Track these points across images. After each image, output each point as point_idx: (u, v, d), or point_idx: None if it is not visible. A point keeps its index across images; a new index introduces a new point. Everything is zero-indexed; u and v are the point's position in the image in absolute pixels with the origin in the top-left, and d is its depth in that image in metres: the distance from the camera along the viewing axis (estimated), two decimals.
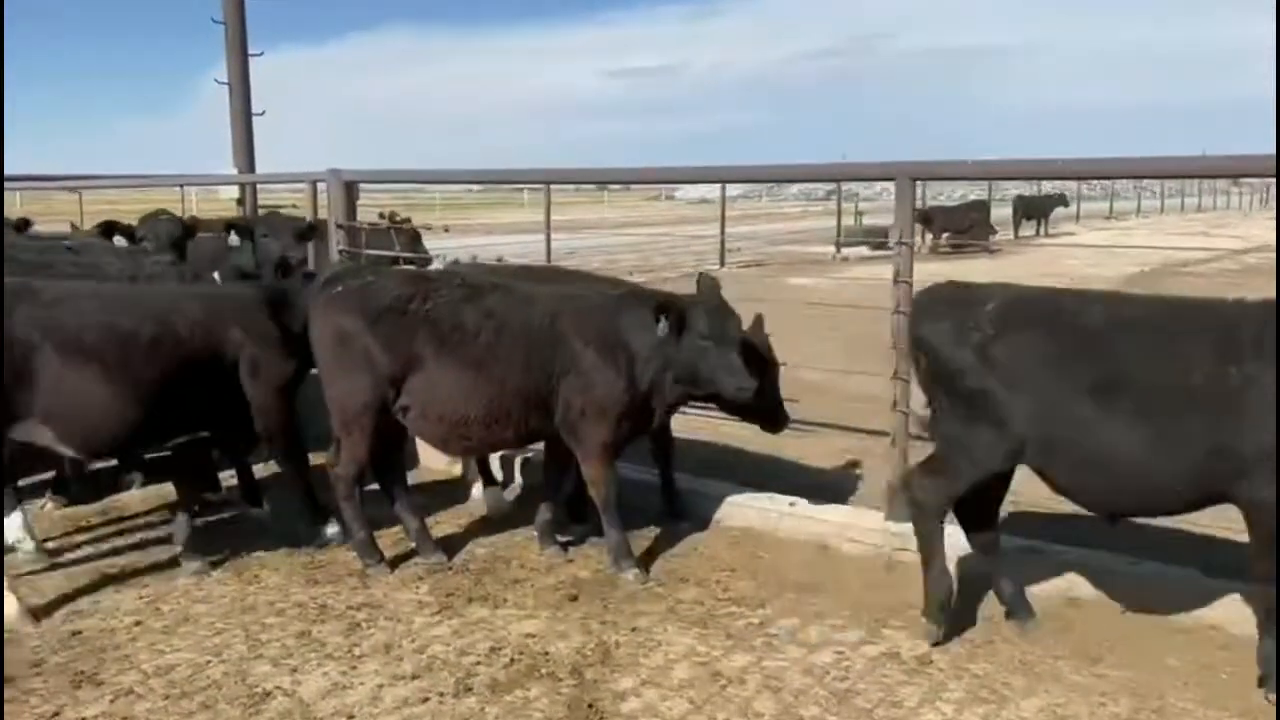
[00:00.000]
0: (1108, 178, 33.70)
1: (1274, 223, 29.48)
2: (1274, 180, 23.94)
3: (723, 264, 21.20)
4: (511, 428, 4.94)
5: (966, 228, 26.55)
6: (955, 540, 4.99)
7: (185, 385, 4.75)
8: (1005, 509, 4.57)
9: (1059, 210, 34.55)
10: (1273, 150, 4.16)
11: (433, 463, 6.58)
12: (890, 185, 5.15)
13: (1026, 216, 32.05)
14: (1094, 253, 23.51)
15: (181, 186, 9.72)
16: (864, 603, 4.63)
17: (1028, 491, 4.56)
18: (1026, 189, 36.54)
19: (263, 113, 14.24)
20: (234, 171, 13.98)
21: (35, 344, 4.48)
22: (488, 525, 5.72)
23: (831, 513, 5.37)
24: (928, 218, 26.88)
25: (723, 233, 21.53)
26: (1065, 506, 4.18)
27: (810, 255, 24.68)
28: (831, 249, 26.91)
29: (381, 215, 10.88)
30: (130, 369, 4.60)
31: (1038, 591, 4.59)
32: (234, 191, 13.62)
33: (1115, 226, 38.56)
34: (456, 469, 6.46)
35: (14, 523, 5.23)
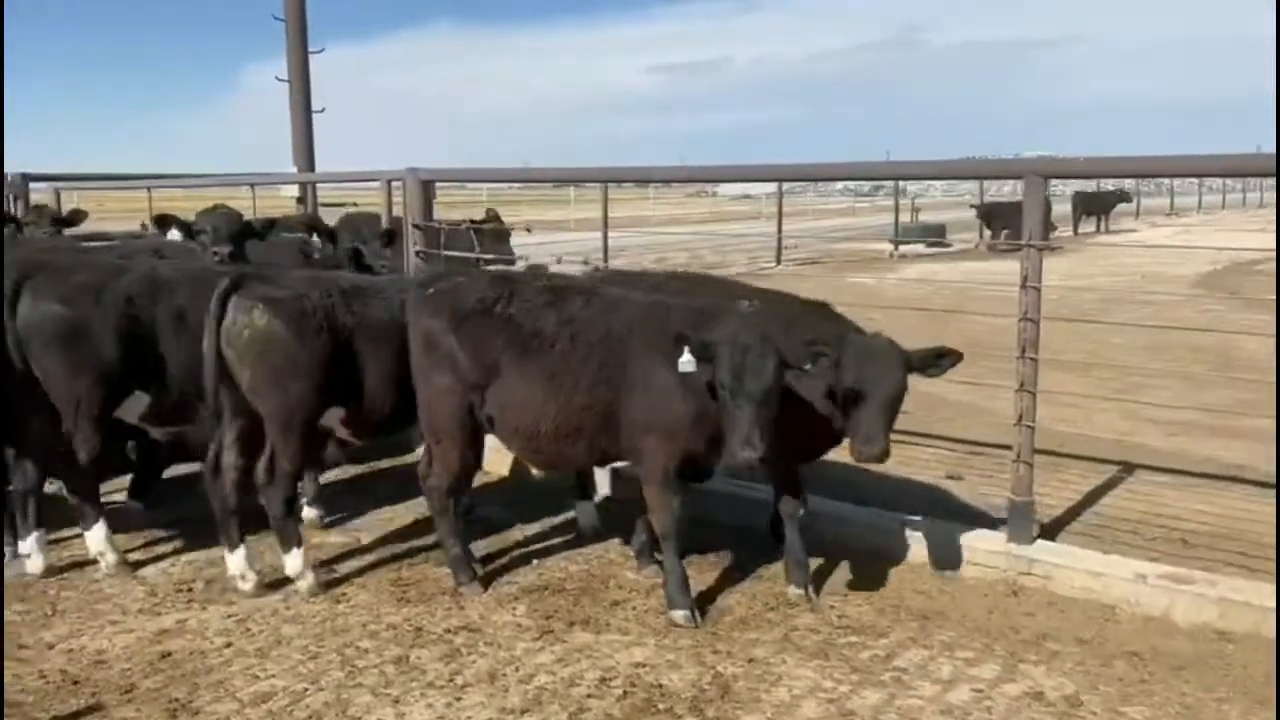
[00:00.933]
0: (1245, 175, 32.64)
1: None
2: None
3: (779, 261, 20.83)
4: (584, 444, 4.61)
5: None
6: (1089, 563, 4.68)
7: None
8: None
9: (1119, 206, 33.68)
10: None
11: (496, 466, 6.39)
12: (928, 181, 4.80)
13: (1087, 213, 31.25)
14: (1158, 250, 22.84)
15: (253, 186, 9.58)
16: (993, 632, 4.32)
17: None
18: (1087, 184, 35.69)
19: (322, 110, 14.16)
20: (293, 169, 13.88)
21: (349, 334, 4.71)
22: (580, 540, 5.47)
23: (948, 532, 5.04)
24: (989, 214, 26.31)
25: (780, 230, 21.15)
26: None
27: (866, 252, 24.18)
28: (885, 246, 26.49)
29: (487, 215, 10.62)
30: (400, 358, 4.81)
31: (1184, 624, 4.25)
32: (294, 190, 13.51)
33: (1177, 223, 37.52)
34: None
35: (96, 535, 5.08)
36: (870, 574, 4.90)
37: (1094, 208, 31.60)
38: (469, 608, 4.64)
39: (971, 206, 27.47)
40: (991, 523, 5.16)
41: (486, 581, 4.89)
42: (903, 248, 24.94)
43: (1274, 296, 3.94)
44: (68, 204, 9.97)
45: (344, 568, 5.12)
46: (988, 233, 26.38)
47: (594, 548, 5.33)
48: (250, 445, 4.75)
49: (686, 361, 4.10)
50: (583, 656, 4.16)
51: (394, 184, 7.34)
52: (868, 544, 5.14)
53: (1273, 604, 4.15)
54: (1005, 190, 40.74)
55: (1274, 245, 23.18)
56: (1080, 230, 30.68)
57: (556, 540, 5.49)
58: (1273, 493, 5.28)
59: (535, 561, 5.18)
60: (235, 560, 4.81)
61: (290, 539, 4.77)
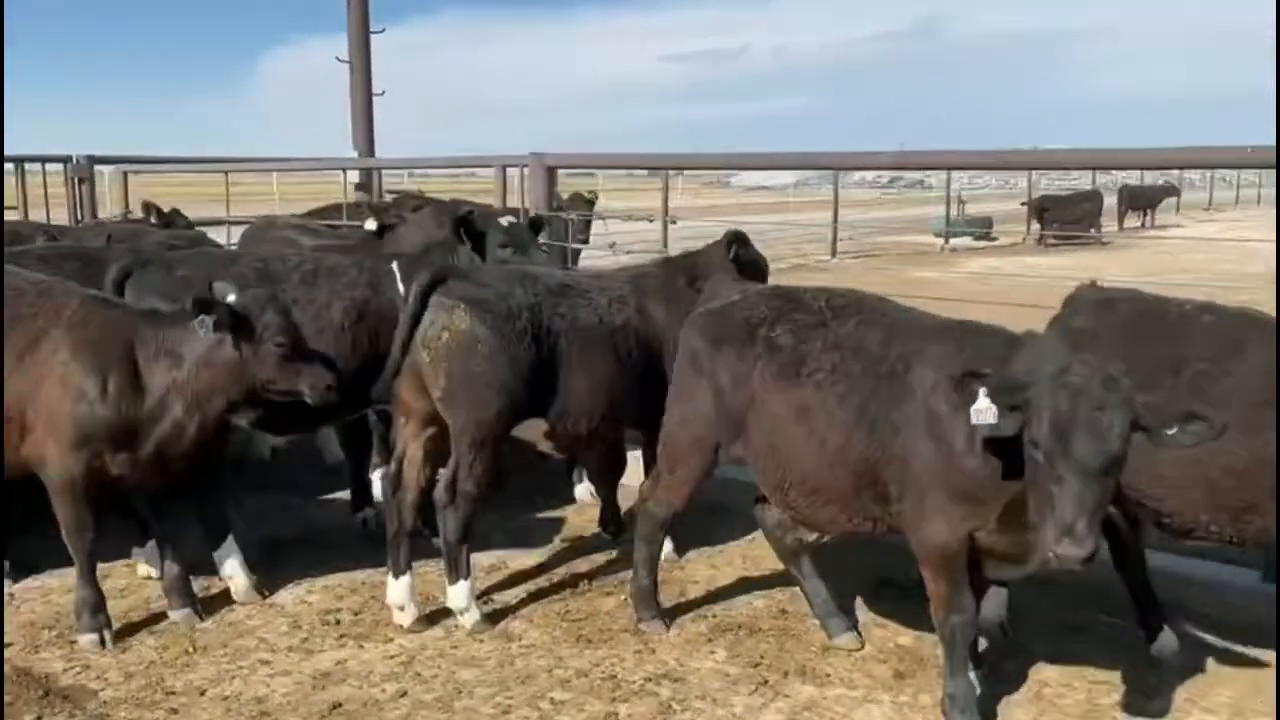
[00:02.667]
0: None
1: None
2: None
3: (834, 254, 20.25)
4: (838, 505, 3.69)
5: (1078, 219, 25.29)
6: None
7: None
8: None
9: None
10: None
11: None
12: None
13: (1133, 207, 30.55)
14: (1214, 246, 22.19)
15: (344, 171, 9.07)
16: None
17: None
18: (1133, 178, 34.91)
19: (383, 93, 13.61)
20: (353, 154, 13.35)
21: (557, 337, 4.26)
22: (747, 565, 4.95)
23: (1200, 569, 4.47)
24: (1040, 207, 25.69)
25: (835, 220, 20.55)
26: None
27: (917, 245, 23.60)
28: (930, 238, 25.89)
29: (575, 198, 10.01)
30: (613, 366, 4.43)
31: None
32: (354, 176, 12.97)
33: (1219, 218, 36.80)
34: None
35: (229, 555, 4.59)
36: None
37: (1141, 202, 30.90)
38: (660, 650, 4.12)
39: (1023, 204, 26.80)
40: None
41: (667, 617, 4.38)
42: (952, 241, 24.38)
43: None
44: (135, 188, 9.46)
45: (501, 597, 4.61)
46: (1035, 226, 25.81)
47: (771, 578, 4.79)
48: (437, 461, 4.27)
49: (983, 409, 3.06)
50: (814, 715, 3.64)
51: (509, 170, 6.82)
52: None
53: None
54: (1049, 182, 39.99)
55: None
56: (1125, 225, 30.01)
57: (724, 570, 4.96)
58: None
59: (711, 595, 4.65)
60: (398, 589, 4.30)
61: (460, 568, 4.25)
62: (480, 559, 4.96)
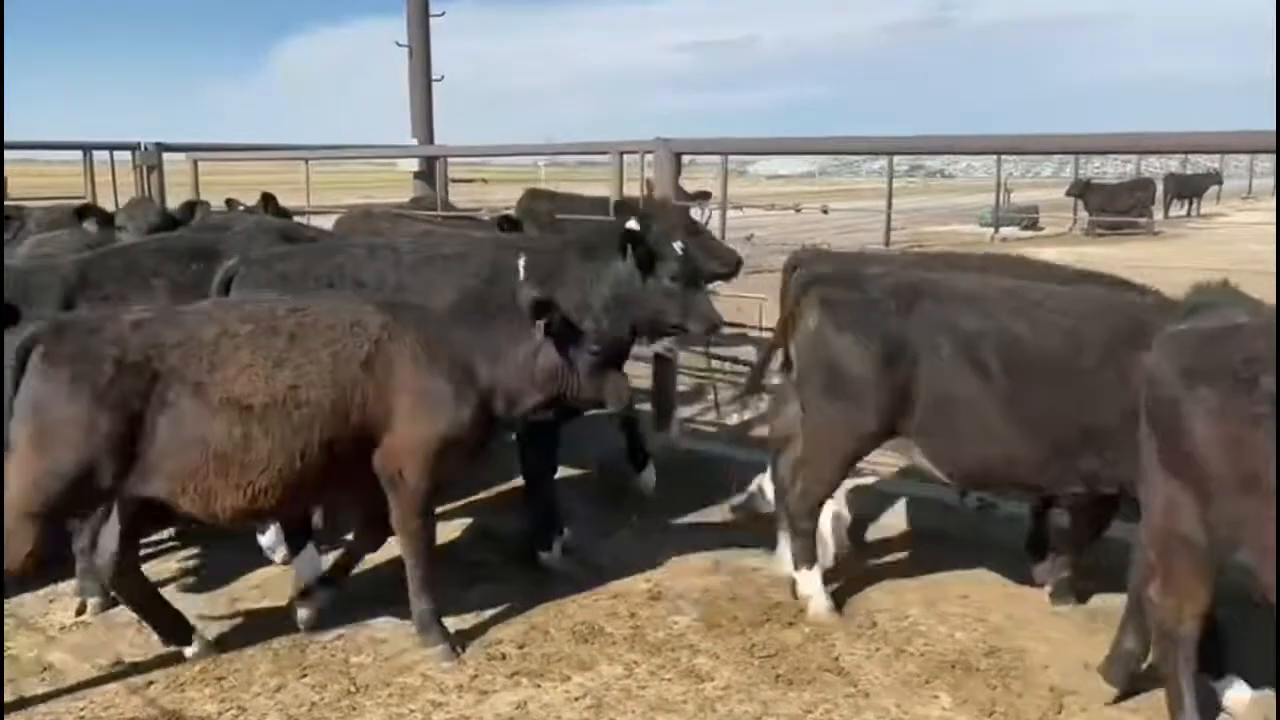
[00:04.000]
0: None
1: None
2: None
3: (888, 244, 19.70)
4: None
5: (1128, 208, 24.69)
6: None
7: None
8: None
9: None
10: None
11: None
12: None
13: (1178, 196, 29.92)
14: (1269, 234, 21.59)
15: (445, 159, 8.62)
16: None
17: None
18: (1176, 165, 34.21)
19: (441, 78, 13.16)
20: (413, 141, 12.94)
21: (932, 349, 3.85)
22: (963, 599, 4.51)
23: None
24: (1084, 194, 25.06)
25: (889, 207, 19.97)
26: None
27: (965, 235, 23.05)
28: (976, 227, 25.37)
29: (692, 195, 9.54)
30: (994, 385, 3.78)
31: None
32: (412, 164, 12.56)
33: (1259, 206, 36.11)
34: None
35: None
36: None
37: (1186, 190, 30.27)
38: (874, 693, 3.70)
39: (1068, 193, 26.17)
40: None
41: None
42: (1002, 231, 23.82)
43: None
44: (205, 176, 9.05)
45: (672, 627, 4.21)
46: (1083, 214, 25.20)
47: (969, 611, 4.36)
48: None
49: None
50: None
51: (627, 158, 6.39)
52: None
53: None
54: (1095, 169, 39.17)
55: None
56: (1170, 214, 29.38)
57: (909, 586, 4.55)
58: None
59: (911, 627, 4.20)
60: (808, 582, 4.30)
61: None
62: (632, 584, 4.60)
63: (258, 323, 3.64)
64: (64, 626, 4.19)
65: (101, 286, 4.57)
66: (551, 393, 3.94)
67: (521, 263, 4.84)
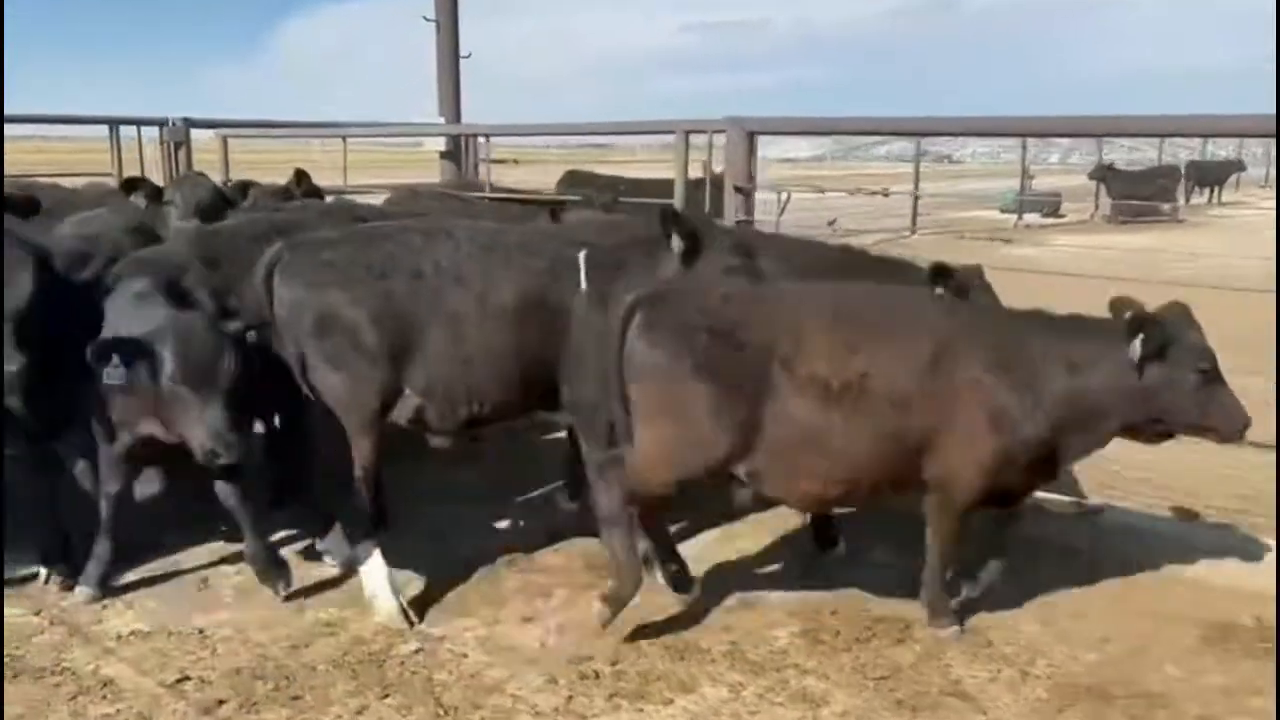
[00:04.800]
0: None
1: None
2: None
3: (914, 230, 19.43)
4: None
5: (1151, 195, 24.32)
6: None
7: None
8: None
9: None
10: None
11: None
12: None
13: (1200, 183, 29.56)
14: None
15: (486, 137, 8.28)
16: None
17: None
18: (1187, 155, 33.82)
19: (469, 55, 12.79)
20: (440, 120, 12.58)
21: None
22: (1077, 616, 4.24)
23: None
24: (1106, 179, 24.68)
25: (916, 190, 19.67)
26: None
27: (990, 221, 22.69)
28: (996, 214, 25.01)
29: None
30: None
31: None
32: (439, 144, 12.21)
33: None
34: None
35: (377, 574, 3.99)
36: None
37: (1208, 178, 29.90)
38: (992, 709, 3.43)
39: (1090, 177, 25.76)
40: None
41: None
42: (1011, 216, 23.45)
43: None
44: (235, 153, 8.74)
45: (774, 644, 3.93)
46: (1105, 199, 24.83)
47: (1094, 628, 4.09)
48: None
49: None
50: None
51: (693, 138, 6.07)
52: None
53: None
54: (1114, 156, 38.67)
55: None
56: (1191, 202, 29.01)
57: (1017, 600, 4.25)
58: None
59: (1034, 645, 3.92)
60: None
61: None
62: (719, 592, 4.32)
63: (836, 306, 3.71)
64: (120, 636, 3.91)
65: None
66: (1130, 417, 3.69)
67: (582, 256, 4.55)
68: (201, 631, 3.94)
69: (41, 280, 3.71)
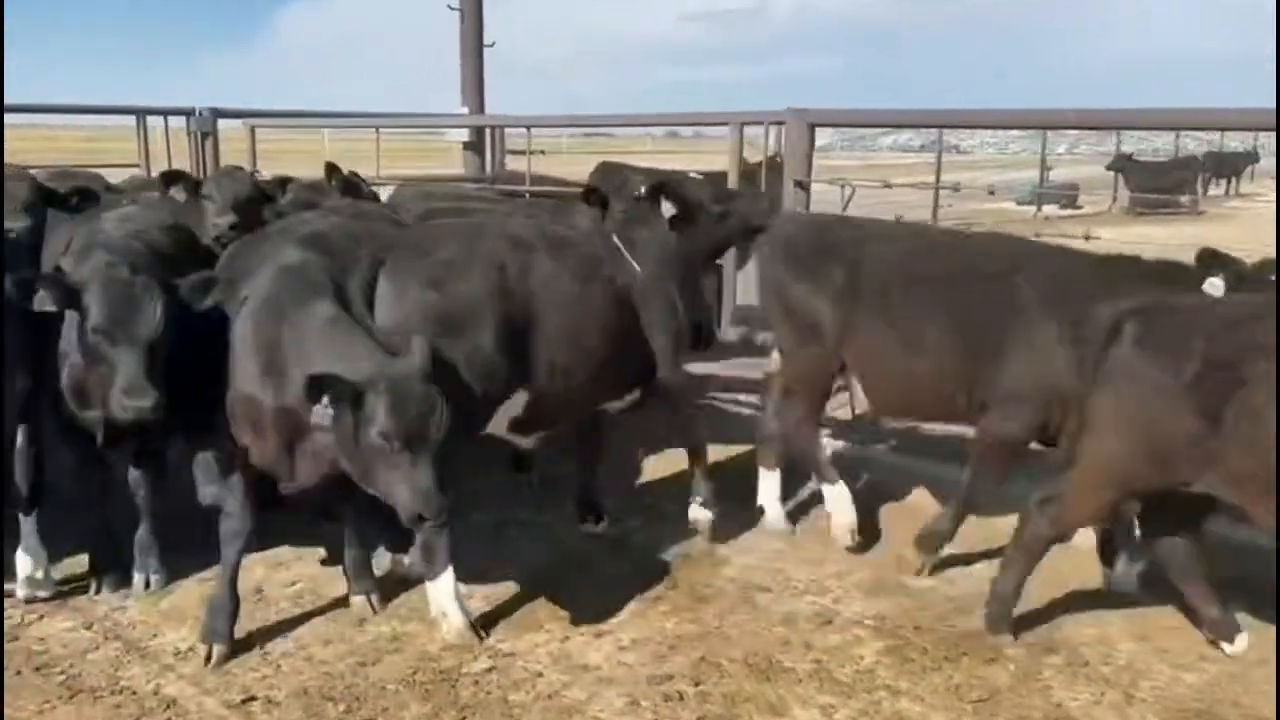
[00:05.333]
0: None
1: None
2: None
3: (935, 222, 19.13)
4: None
5: (1171, 186, 24.07)
6: None
7: None
8: None
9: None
10: None
11: None
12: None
13: (1217, 175, 29.28)
14: None
15: (529, 128, 8.07)
16: None
17: None
18: (1195, 145, 33.51)
19: (493, 44, 12.54)
20: (463, 110, 12.35)
21: None
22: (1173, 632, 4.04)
23: None
24: (1124, 170, 24.41)
25: (937, 181, 19.36)
26: None
27: (1007, 214, 22.42)
28: (1013, 205, 24.75)
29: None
30: None
31: None
32: (463, 134, 11.98)
33: None
34: None
35: (446, 588, 3.83)
36: None
37: (1225, 170, 29.64)
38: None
39: (1109, 168, 25.49)
40: None
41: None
42: (1042, 209, 23.21)
43: None
44: (262, 144, 8.54)
45: (859, 661, 3.76)
46: (1123, 191, 24.56)
47: (1186, 646, 3.92)
48: None
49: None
50: None
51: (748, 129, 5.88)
52: None
53: None
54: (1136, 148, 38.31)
55: None
56: (1208, 193, 28.71)
57: (1107, 614, 4.06)
58: None
59: (1135, 665, 3.74)
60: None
61: None
62: (795, 606, 4.16)
63: None
64: (178, 651, 3.74)
65: None
66: None
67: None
68: (261, 647, 3.77)
69: (169, 307, 3.46)
